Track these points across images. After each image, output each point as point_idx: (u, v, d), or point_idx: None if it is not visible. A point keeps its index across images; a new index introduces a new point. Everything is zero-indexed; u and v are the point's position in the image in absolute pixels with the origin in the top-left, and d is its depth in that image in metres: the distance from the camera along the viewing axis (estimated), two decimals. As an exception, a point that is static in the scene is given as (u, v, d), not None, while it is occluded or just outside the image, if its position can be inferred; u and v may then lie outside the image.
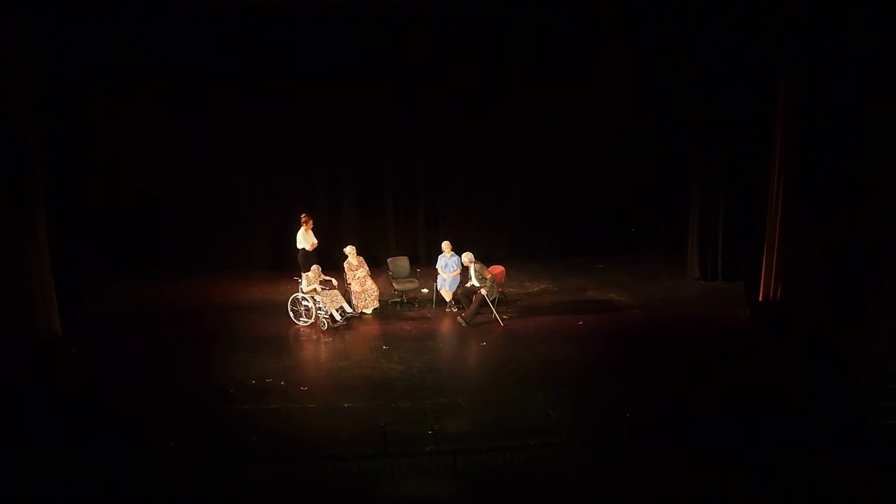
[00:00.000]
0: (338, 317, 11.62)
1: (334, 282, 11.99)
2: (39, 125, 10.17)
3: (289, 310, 11.83)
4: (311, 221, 12.63)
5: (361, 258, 12.49)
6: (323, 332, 11.51)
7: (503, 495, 7.79)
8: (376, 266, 13.07)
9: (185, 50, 12.61)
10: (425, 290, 12.86)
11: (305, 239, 12.53)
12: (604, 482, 7.84)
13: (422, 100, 14.03)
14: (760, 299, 11.60)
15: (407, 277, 12.90)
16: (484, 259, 12.30)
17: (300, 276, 11.94)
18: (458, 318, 11.90)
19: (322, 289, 11.77)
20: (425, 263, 13.69)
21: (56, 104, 10.73)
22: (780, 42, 10.61)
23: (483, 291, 11.78)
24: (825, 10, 9.70)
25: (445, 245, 12.49)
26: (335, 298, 11.74)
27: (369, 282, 12.34)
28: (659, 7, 11.99)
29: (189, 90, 13.24)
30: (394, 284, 12.85)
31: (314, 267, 11.94)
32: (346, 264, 12.38)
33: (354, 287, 12.18)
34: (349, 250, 12.40)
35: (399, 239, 14.79)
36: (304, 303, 11.68)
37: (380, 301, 12.46)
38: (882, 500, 7.67)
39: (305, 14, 12.36)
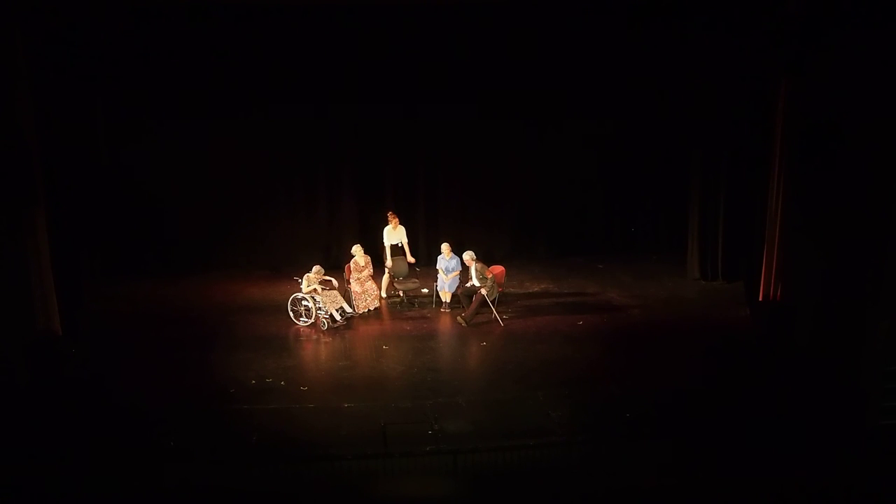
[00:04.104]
0: (338, 317, 11.63)
1: (334, 282, 11.99)
2: (39, 125, 10.16)
3: (289, 310, 11.83)
4: (396, 219, 12.90)
5: (368, 258, 12.47)
6: (323, 332, 11.51)
7: (503, 495, 7.79)
8: (376, 266, 13.05)
9: (186, 50, 12.60)
10: (425, 290, 12.86)
11: (389, 236, 12.96)
12: (604, 482, 7.85)
13: (422, 100, 14.01)
14: (760, 299, 11.59)
15: (407, 277, 12.91)
16: (484, 259, 12.30)
17: (300, 276, 11.95)
18: (458, 318, 11.90)
19: (322, 289, 11.77)
20: (425, 263, 13.69)
21: (57, 104, 10.71)
22: (780, 42, 10.61)
23: (483, 291, 11.78)
24: (825, 10, 9.70)
25: (445, 247, 12.47)
26: (335, 298, 11.74)
27: (370, 282, 12.34)
28: (659, 6, 11.98)
29: (190, 90, 13.22)
30: (394, 284, 12.85)
31: (315, 267, 11.93)
32: (352, 263, 12.36)
33: (354, 287, 12.19)
34: (357, 250, 12.38)
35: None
36: (304, 303, 11.68)
37: (379, 301, 12.46)
38: (882, 499, 7.67)
39: (305, 15, 12.35)
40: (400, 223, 13.08)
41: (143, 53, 12.39)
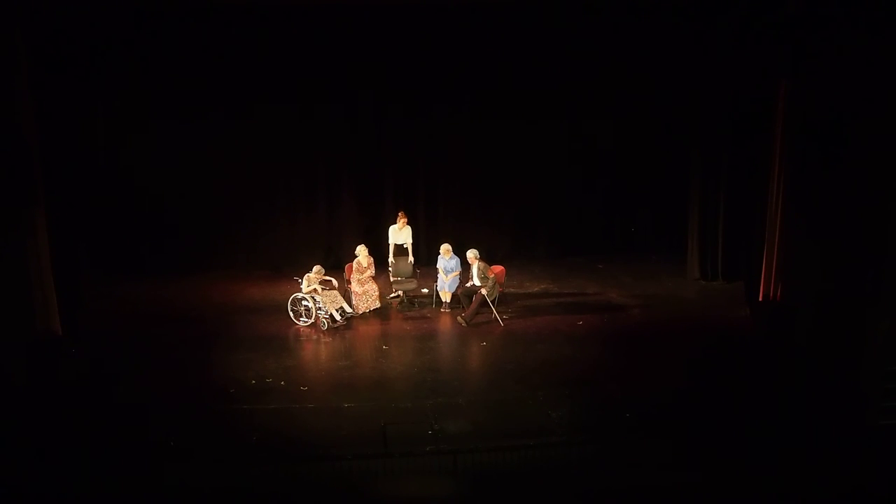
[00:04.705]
0: (338, 317, 11.63)
1: (334, 282, 11.99)
2: (39, 125, 10.16)
3: (289, 310, 11.83)
4: (405, 219, 12.94)
5: (372, 260, 12.45)
6: (323, 332, 11.51)
7: (503, 495, 7.79)
8: (377, 266, 13.06)
9: (186, 50, 12.60)
10: (425, 290, 12.86)
11: (395, 235, 12.97)
12: (604, 482, 7.85)
13: (422, 100, 14.03)
14: (760, 299, 11.60)
15: (407, 277, 12.91)
16: (484, 259, 12.28)
17: (300, 276, 11.94)
18: (458, 318, 11.90)
19: (322, 289, 11.76)
20: (425, 263, 13.70)
21: (57, 104, 10.71)
22: (780, 42, 10.61)
23: (484, 291, 11.78)
24: (825, 10, 9.70)
25: (445, 248, 12.45)
26: (335, 298, 11.74)
27: (371, 283, 12.33)
28: (659, 7, 11.99)
29: (190, 90, 13.22)
30: (393, 285, 12.86)
31: (315, 267, 11.93)
32: (354, 263, 12.34)
33: (355, 287, 12.18)
34: (361, 250, 12.35)
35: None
36: (304, 303, 11.68)
37: (380, 301, 12.46)
38: (882, 499, 7.67)
39: (306, 15, 12.35)
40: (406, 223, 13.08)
41: (142, 53, 12.38)
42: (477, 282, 12.00)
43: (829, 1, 9.68)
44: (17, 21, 9.72)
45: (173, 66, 12.86)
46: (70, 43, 10.81)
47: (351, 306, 11.93)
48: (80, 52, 11.24)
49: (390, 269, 12.92)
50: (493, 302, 11.85)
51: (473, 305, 11.80)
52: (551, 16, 12.58)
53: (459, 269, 12.36)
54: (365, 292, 12.20)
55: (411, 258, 13.01)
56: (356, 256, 12.37)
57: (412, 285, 12.81)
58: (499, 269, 12.60)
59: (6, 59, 9.60)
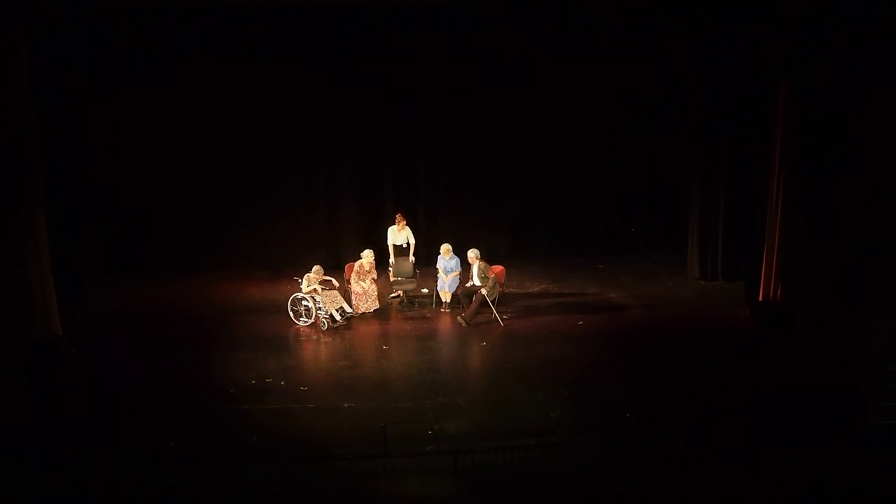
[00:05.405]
0: (338, 317, 11.63)
1: (334, 282, 12.00)
2: (39, 125, 10.15)
3: (289, 310, 11.83)
4: (404, 220, 12.95)
5: (374, 264, 12.43)
6: (323, 332, 11.51)
7: (503, 495, 7.79)
8: (377, 266, 13.07)
9: (186, 51, 12.59)
10: (425, 290, 12.86)
11: (394, 236, 13.01)
12: (604, 482, 7.85)
13: (422, 100, 14.02)
14: (760, 299, 11.60)
15: (408, 277, 12.91)
16: (485, 259, 12.28)
17: (300, 276, 11.94)
18: (458, 318, 11.90)
19: (322, 289, 11.77)
20: (425, 263, 13.70)
21: (57, 104, 10.71)
22: (780, 42, 10.61)
23: (484, 291, 11.78)
24: (825, 10, 9.70)
25: (445, 248, 12.46)
26: (335, 298, 11.74)
27: (370, 283, 12.32)
28: (659, 6, 11.98)
29: (191, 91, 13.22)
30: (393, 285, 12.86)
31: (315, 267, 11.93)
32: (357, 265, 12.34)
33: (355, 288, 12.18)
34: (367, 254, 12.34)
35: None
36: (304, 303, 11.68)
37: (380, 301, 12.45)
38: (882, 499, 7.67)
39: (305, 15, 12.34)
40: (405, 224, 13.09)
41: (143, 53, 12.38)
42: (477, 282, 12.00)
43: (828, 1, 9.68)
44: (17, 21, 9.71)
45: (174, 66, 12.84)
46: (70, 43, 10.80)
47: (351, 306, 11.93)
48: (81, 52, 11.24)
49: (390, 269, 12.93)
50: (493, 302, 11.86)
51: (473, 305, 11.80)
52: (551, 16, 12.57)
53: (459, 269, 12.36)
54: (365, 292, 12.20)
55: (412, 258, 13.02)
56: (360, 258, 12.35)
57: (412, 285, 12.82)
58: (499, 269, 12.60)
59: (6, 59, 9.59)
